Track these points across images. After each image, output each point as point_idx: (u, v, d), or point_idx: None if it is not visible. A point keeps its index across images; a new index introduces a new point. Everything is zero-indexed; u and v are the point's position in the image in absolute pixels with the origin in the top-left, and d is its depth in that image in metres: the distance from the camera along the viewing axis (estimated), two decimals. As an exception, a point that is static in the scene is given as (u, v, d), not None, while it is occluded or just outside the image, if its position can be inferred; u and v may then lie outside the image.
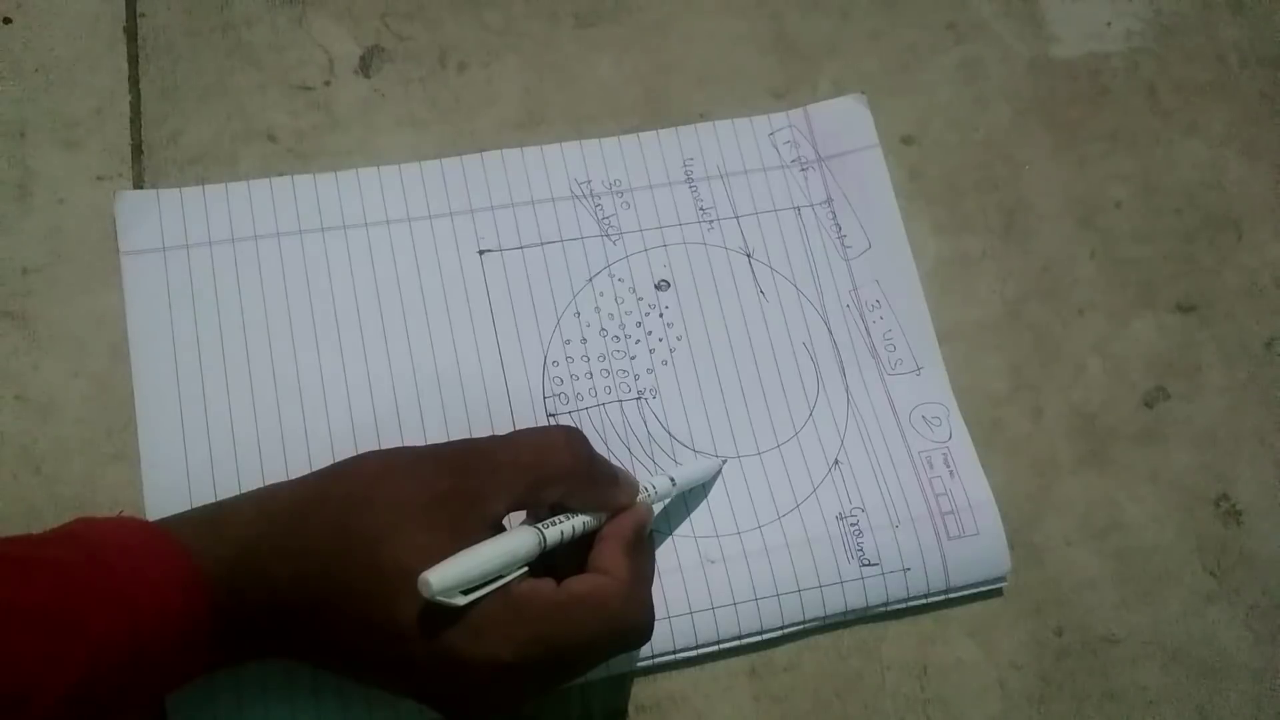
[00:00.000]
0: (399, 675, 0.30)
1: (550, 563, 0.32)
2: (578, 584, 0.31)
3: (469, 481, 0.31)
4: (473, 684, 0.29)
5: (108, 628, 0.27)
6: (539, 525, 0.32)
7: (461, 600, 0.28)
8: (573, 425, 0.35)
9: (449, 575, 0.27)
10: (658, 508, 0.38)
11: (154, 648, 0.28)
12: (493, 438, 0.34)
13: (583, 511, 0.34)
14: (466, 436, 0.35)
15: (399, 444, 0.38)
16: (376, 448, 0.38)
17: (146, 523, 0.31)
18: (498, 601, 0.29)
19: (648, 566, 0.35)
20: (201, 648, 0.30)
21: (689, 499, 0.40)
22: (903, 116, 0.47)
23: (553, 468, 0.32)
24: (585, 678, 0.37)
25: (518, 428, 0.34)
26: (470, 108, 0.45)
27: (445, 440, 0.34)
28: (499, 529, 0.31)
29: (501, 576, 0.29)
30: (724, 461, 0.40)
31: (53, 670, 0.26)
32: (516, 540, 0.30)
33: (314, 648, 0.31)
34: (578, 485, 0.33)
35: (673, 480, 0.37)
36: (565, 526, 0.32)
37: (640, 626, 0.32)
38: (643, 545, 0.35)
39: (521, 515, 0.35)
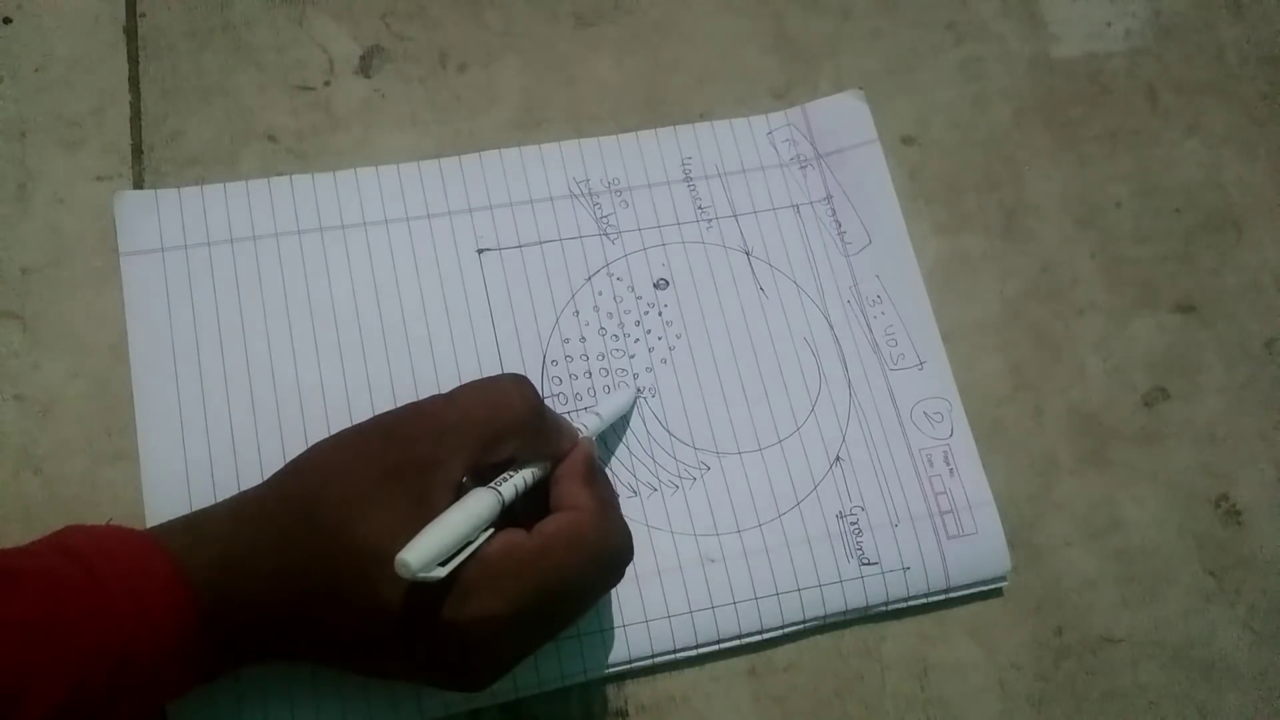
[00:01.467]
0: (394, 656, 0.30)
1: (511, 517, 0.32)
2: (549, 524, 0.31)
3: (421, 448, 0.31)
4: (471, 647, 0.29)
5: (97, 638, 0.27)
6: (493, 485, 0.31)
7: (441, 572, 0.28)
8: (520, 374, 0.34)
9: (423, 552, 0.27)
10: (627, 453, 0.39)
11: (144, 657, 0.28)
12: (441, 398, 0.33)
13: (531, 462, 0.34)
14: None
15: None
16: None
17: (133, 531, 0.31)
18: (475, 564, 0.29)
19: (610, 493, 0.35)
20: (192, 655, 0.30)
21: (617, 430, 0.40)
22: (903, 116, 0.47)
23: (505, 422, 0.32)
24: (585, 671, 0.37)
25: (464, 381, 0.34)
26: (470, 108, 0.45)
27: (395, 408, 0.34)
28: (460, 490, 0.31)
29: (471, 541, 0.29)
30: (638, 391, 0.41)
31: (42, 682, 0.26)
32: (477, 503, 0.30)
33: (305, 643, 0.31)
34: (530, 438, 0.33)
35: (599, 415, 0.38)
36: (517, 480, 0.32)
37: (621, 547, 0.33)
38: (598, 474, 0.35)
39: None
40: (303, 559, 0.30)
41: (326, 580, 0.29)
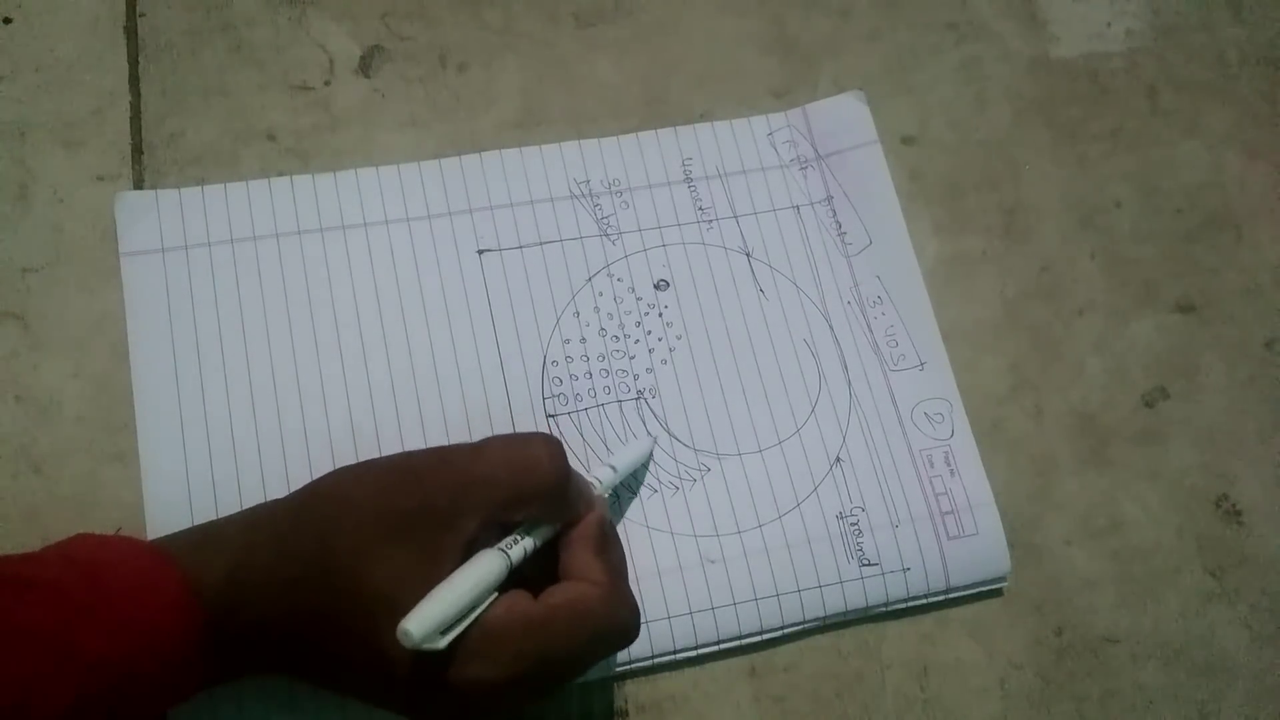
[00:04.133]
0: (389, 696, 0.31)
1: (518, 573, 0.31)
2: (556, 595, 0.31)
3: (440, 500, 0.30)
4: (463, 705, 0.29)
5: (103, 648, 0.27)
6: (501, 547, 0.31)
7: (443, 642, 0.28)
8: (551, 435, 0.33)
9: (426, 622, 0.27)
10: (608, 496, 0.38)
11: (149, 667, 0.28)
12: (467, 449, 0.32)
13: (543, 523, 0.33)
14: (448, 444, 0.34)
15: (398, 444, 0.39)
16: (375, 448, 0.38)
17: (142, 542, 0.31)
18: (477, 630, 0.29)
19: (621, 561, 0.34)
20: (196, 666, 0.30)
21: (636, 474, 0.40)
22: (903, 116, 0.47)
23: (530, 487, 0.31)
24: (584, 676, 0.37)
25: (496, 433, 0.34)
26: (470, 108, 0.45)
27: (423, 447, 0.34)
28: (472, 546, 0.31)
29: (476, 607, 0.29)
30: (654, 440, 0.40)
31: (48, 690, 0.26)
32: (485, 568, 0.30)
33: (304, 666, 0.32)
34: (551, 504, 0.32)
35: (614, 468, 0.37)
36: (527, 543, 0.32)
37: (627, 625, 0.32)
38: (611, 541, 0.34)
39: None
40: (311, 586, 0.30)
41: (332, 612, 0.29)
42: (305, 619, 0.30)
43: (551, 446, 0.32)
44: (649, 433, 0.41)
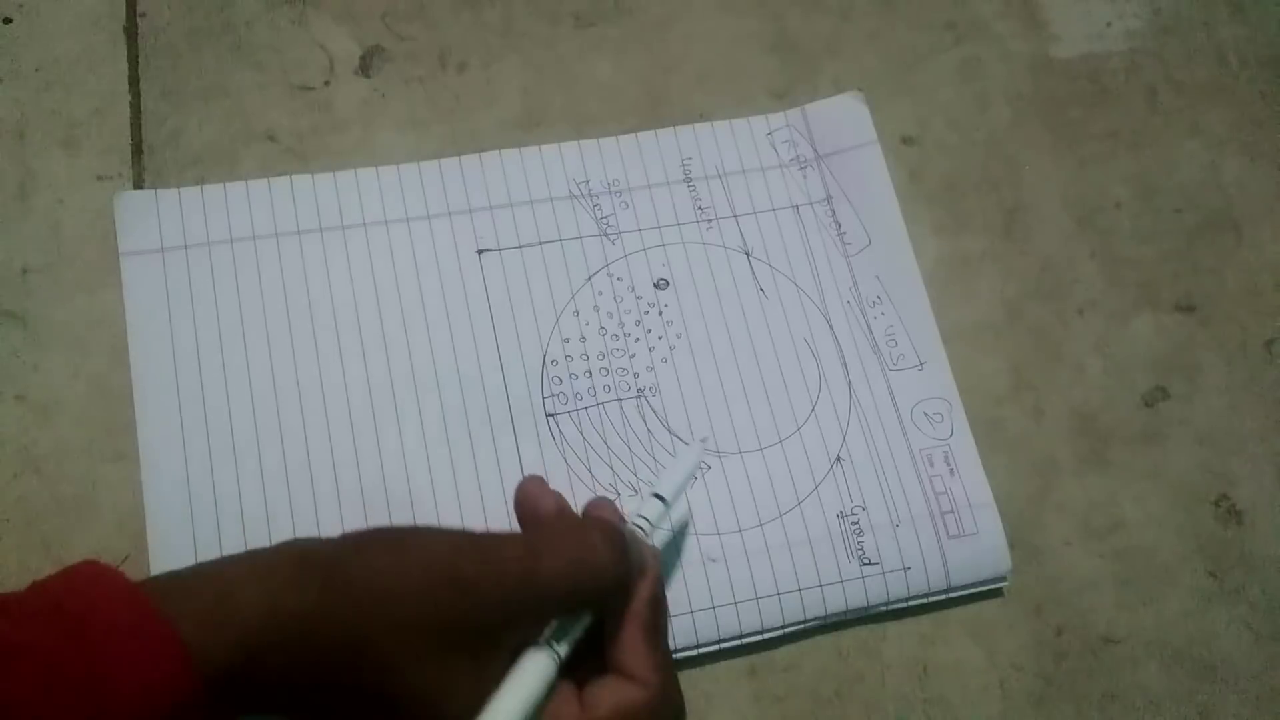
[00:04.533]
0: None
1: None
2: (603, 702, 0.28)
3: (494, 614, 0.27)
4: None
5: None
6: (550, 642, 0.29)
7: None
8: (610, 525, 0.30)
9: None
10: (659, 537, 0.35)
11: None
12: (521, 546, 0.29)
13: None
14: (495, 531, 0.30)
15: (397, 443, 0.39)
16: (375, 447, 0.37)
17: (139, 597, 0.26)
18: None
19: (666, 639, 0.32)
20: None
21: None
22: (903, 116, 0.47)
23: (591, 591, 0.29)
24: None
25: (553, 515, 0.31)
26: (470, 108, 0.45)
27: (464, 532, 0.29)
28: (519, 647, 0.29)
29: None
30: (703, 441, 0.39)
31: None
32: (536, 680, 0.28)
33: None
34: (616, 597, 0.30)
35: (663, 499, 0.34)
36: (576, 632, 0.29)
37: None
38: (659, 622, 0.31)
39: None
40: (336, 688, 0.27)
41: (362, 713, 0.27)
42: (328, 708, 0.27)
43: (614, 541, 0.29)
44: (691, 440, 0.38)
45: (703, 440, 0.39)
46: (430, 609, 0.27)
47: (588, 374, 0.41)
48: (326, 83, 0.44)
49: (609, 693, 0.28)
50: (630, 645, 0.29)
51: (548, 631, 0.29)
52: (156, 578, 0.28)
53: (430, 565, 0.28)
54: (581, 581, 0.28)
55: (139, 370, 0.39)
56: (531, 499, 0.34)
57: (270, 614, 0.26)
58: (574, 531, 0.30)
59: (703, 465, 0.40)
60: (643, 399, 0.41)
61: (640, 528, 0.32)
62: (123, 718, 0.25)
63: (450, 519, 0.38)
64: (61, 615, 0.25)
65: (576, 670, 0.29)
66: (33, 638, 0.25)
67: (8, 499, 0.37)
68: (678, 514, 0.38)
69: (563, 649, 0.29)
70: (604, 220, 0.43)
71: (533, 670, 0.28)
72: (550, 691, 0.28)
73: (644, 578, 0.30)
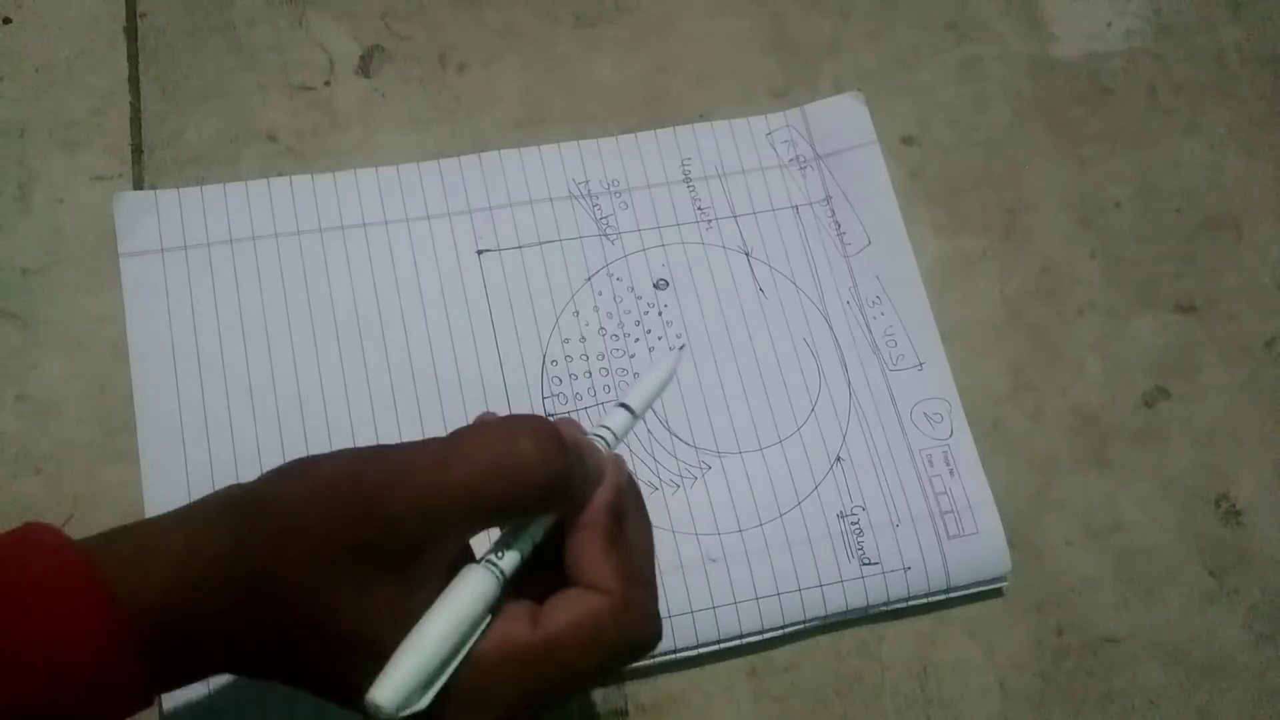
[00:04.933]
0: None
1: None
2: (559, 614, 0.26)
3: (408, 526, 0.24)
4: None
5: (23, 695, 0.23)
6: (490, 559, 0.26)
7: (424, 701, 0.23)
8: (542, 421, 0.26)
9: (400, 688, 0.23)
10: (626, 451, 0.32)
11: (68, 703, 0.24)
12: (434, 449, 0.25)
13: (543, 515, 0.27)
14: (415, 439, 0.27)
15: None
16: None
17: (67, 551, 0.25)
18: (469, 669, 0.24)
19: (641, 546, 0.29)
20: (131, 692, 0.25)
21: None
22: (903, 116, 0.47)
23: (518, 494, 0.25)
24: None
25: (476, 417, 0.28)
26: (470, 108, 0.45)
27: (381, 445, 0.27)
28: (454, 562, 0.26)
29: (464, 645, 0.24)
30: (682, 347, 0.37)
31: None
32: (469, 598, 0.25)
33: (270, 678, 0.27)
34: (549, 505, 0.27)
35: (630, 409, 0.30)
36: (523, 545, 0.26)
37: (643, 642, 0.27)
38: (625, 524, 0.28)
39: None
40: (262, 624, 0.25)
41: (294, 653, 0.25)
42: (261, 653, 0.25)
43: (541, 437, 0.25)
44: (670, 347, 0.36)
45: (682, 348, 0.37)
46: (338, 528, 0.24)
47: (588, 374, 0.41)
48: (326, 83, 0.44)
49: (565, 605, 0.26)
50: (586, 552, 0.27)
51: (493, 547, 0.26)
52: (92, 536, 0.26)
53: (334, 482, 0.25)
54: (505, 488, 0.25)
55: (139, 370, 0.39)
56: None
57: (191, 554, 0.25)
58: (499, 430, 0.26)
59: (703, 465, 0.40)
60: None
61: (603, 438, 0.30)
62: (53, 680, 0.23)
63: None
64: None
65: (546, 595, 0.27)
66: None
67: (8, 499, 0.37)
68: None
69: (506, 563, 0.26)
70: (604, 220, 0.43)
71: (466, 586, 0.25)
72: (498, 610, 0.25)
73: (603, 489, 0.28)
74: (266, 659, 0.25)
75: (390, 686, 0.22)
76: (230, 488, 0.27)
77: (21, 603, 0.23)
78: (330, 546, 0.24)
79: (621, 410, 0.30)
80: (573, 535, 0.27)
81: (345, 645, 0.24)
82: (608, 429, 0.30)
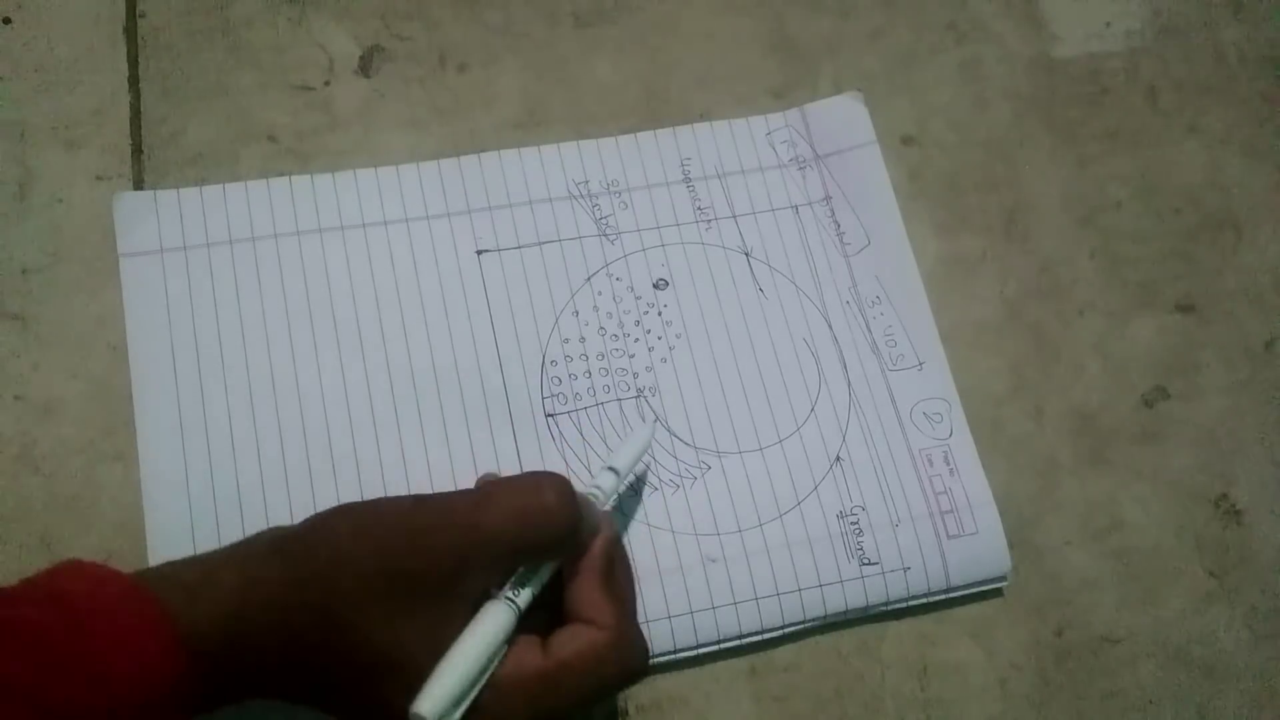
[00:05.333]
0: None
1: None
2: (564, 646, 0.30)
3: (446, 562, 0.29)
4: None
5: (84, 700, 0.26)
6: (508, 596, 0.30)
7: (456, 715, 0.27)
8: (558, 476, 0.31)
9: (440, 701, 0.27)
10: (613, 505, 0.37)
11: (128, 716, 0.26)
12: (471, 499, 0.31)
13: (551, 560, 0.32)
14: (448, 491, 0.32)
15: (397, 444, 0.39)
16: (374, 447, 0.38)
17: (128, 582, 0.29)
18: (489, 691, 0.28)
19: (628, 589, 0.34)
20: (183, 710, 0.28)
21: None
22: (903, 116, 0.47)
23: (541, 539, 0.30)
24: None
25: (501, 475, 0.33)
26: (470, 108, 0.45)
27: (418, 495, 0.31)
28: (479, 600, 0.30)
29: (487, 670, 0.29)
30: (654, 425, 0.40)
31: None
32: (494, 628, 0.29)
33: (308, 708, 0.30)
34: (563, 549, 0.32)
35: (615, 471, 0.35)
36: (535, 585, 0.31)
37: (636, 670, 0.31)
38: (616, 569, 0.33)
39: None
40: (308, 649, 0.28)
41: (334, 676, 0.29)
42: (304, 677, 0.29)
43: (560, 490, 0.31)
44: (644, 419, 0.40)
45: (655, 421, 0.40)
46: (387, 562, 0.28)
47: (587, 374, 0.41)
48: (326, 83, 0.44)
49: (569, 637, 0.30)
50: (586, 593, 0.31)
51: (509, 586, 0.30)
52: (142, 569, 0.30)
53: (386, 522, 0.30)
54: (529, 527, 0.30)
55: (139, 370, 0.39)
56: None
57: (247, 589, 0.28)
58: (524, 483, 0.31)
59: (703, 465, 0.40)
60: (642, 399, 0.41)
61: (595, 496, 0.34)
62: (114, 691, 0.26)
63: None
64: (53, 599, 0.27)
65: (545, 630, 0.31)
66: (25, 615, 0.26)
67: (8, 499, 0.37)
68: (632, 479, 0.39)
69: (522, 599, 0.30)
70: (603, 220, 0.43)
71: (491, 618, 0.29)
72: (513, 641, 0.30)
73: (597, 536, 0.32)
74: (307, 684, 0.29)
75: (431, 699, 0.26)
76: (275, 530, 0.31)
77: (90, 632, 0.26)
78: (379, 579, 0.28)
79: (609, 473, 0.35)
80: (573, 579, 0.32)
81: (386, 669, 0.28)
82: (598, 488, 0.35)
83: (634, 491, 0.40)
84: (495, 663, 0.29)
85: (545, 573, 0.31)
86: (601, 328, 0.42)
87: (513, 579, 0.31)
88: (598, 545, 0.32)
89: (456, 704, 0.27)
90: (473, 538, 0.29)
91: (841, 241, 0.44)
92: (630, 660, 0.31)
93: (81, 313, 0.40)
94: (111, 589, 0.28)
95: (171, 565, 0.30)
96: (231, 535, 0.37)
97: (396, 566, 0.28)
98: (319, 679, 0.29)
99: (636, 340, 0.42)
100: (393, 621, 0.28)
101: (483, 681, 0.28)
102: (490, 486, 0.31)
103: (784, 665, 0.39)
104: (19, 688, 0.25)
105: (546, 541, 0.30)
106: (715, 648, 0.38)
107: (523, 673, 0.29)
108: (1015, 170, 0.47)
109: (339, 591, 0.28)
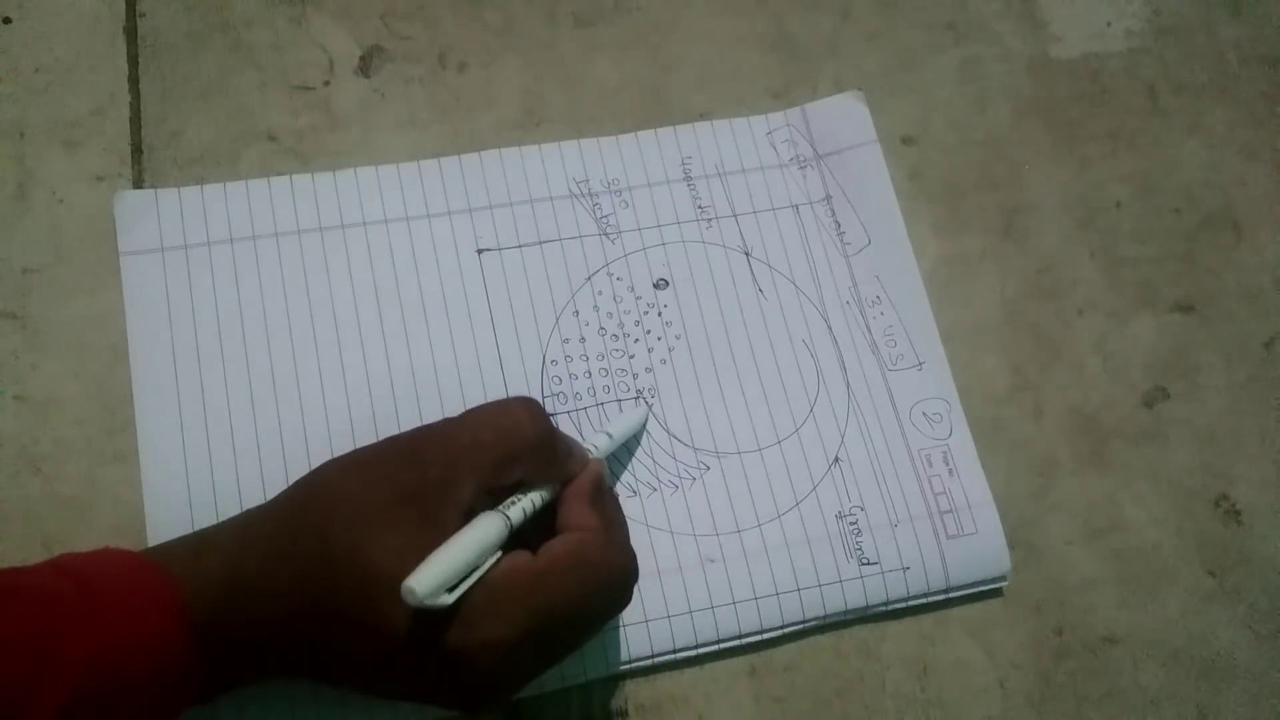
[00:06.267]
0: (399, 679, 0.30)
1: (520, 539, 0.32)
2: (554, 546, 0.31)
3: (431, 472, 0.31)
4: (477, 671, 0.29)
5: (93, 657, 0.27)
6: (500, 509, 0.32)
7: (448, 599, 0.28)
8: (529, 397, 0.34)
9: (430, 579, 0.27)
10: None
11: (139, 676, 0.28)
12: (449, 420, 0.33)
13: (540, 485, 0.34)
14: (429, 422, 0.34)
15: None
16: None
17: (131, 553, 0.31)
18: (482, 589, 0.29)
19: (617, 513, 0.35)
20: (191, 674, 0.30)
21: (629, 447, 0.40)
22: (903, 116, 0.47)
23: (516, 445, 0.32)
24: (585, 671, 0.37)
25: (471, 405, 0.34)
26: (470, 108, 0.45)
27: (404, 430, 0.34)
28: (470, 514, 0.31)
29: (478, 567, 0.29)
30: (649, 408, 0.41)
31: (36, 698, 0.25)
32: (485, 528, 0.30)
33: (308, 664, 0.31)
34: (540, 461, 0.33)
35: (609, 435, 0.38)
36: (526, 503, 0.32)
37: (625, 568, 0.32)
38: (605, 496, 0.35)
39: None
40: (310, 582, 0.29)
41: (334, 603, 0.29)
42: (306, 616, 0.30)
43: (530, 406, 0.33)
44: (644, 400, 0.41)
45: (649, 403, 0.41)
46: (376, 483, 0.30)
47: (587, 374, 0.41)
48: (326, 83, 0.44)
49: (559, 540, 0.32)
50: (574, 508, 0.33)
51: (503, 504, 0.32)
52: (142, 549, 0.32)
53: (377, 449, 0.32)
54: (506, 439, 0.32)
55: (139, 370, 0.39)
56: None
57: (244, 549, 0.31)
58: (497, 403, 0.34)
59: (702, 466, 0.40)
60: (642, 400, 0.41)
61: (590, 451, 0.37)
62: (122, 644, 0.27)
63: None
64: (61, 568, 0.29)
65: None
66: (32, 580, 0.28)
67: (8, 499, 0.37)
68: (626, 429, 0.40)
69: (513, 514, 0.32)
70: (604, 220, 0.43)
71: (482, 522, 0.31)
72: (503, 551, 0.31)
73: (586, 470, 0.35)
74: (307, 621, 0.30)
75: (421, 577, 0.27)
76: (276, 496, 0.33)
77: (96, 587, 0.28)
78: (373, 502, 0.30)
79: (604, 435, 0.38)
80: (562, 504, 0.34)
81: (378, 582, 0.28)
82: (593, 445, 0.37)
83: (625, 457, 0.40)
84: (489, 563, 0.30)
85: (536, 498, 0.33)
86: (602, 328, 0.42)
87: (508, 500, 0.32)
88: (585, 473, 0.35)
89: (448, 588, 0.28)
90: (454, 447, 0.31)
91: (841, 241, 0.44)
92: (616, 556, 0.32)
93: (81, 312, 0.40)
94: (112, 558, 0.30)
95: (169, 542, 0.33)
96: (231, 535, 0.37)
97: (388, 484, 0.30)
98: (321, 614, 0.29)
99: (636, 341, 0.42)
100: (389, 537, 0.29)
101: (474, 577, 0.29)
102: (469, 411, 0.33)
103: (784, 665, 0.39)
104: (28, 642, 0.26)
105: (521, 449, 0.32)
106: (715, 648, 0.38)
107: (514, 572, 0.30)
108: (1015, 170, 0.47)
109: (336, 520, 0.30)
